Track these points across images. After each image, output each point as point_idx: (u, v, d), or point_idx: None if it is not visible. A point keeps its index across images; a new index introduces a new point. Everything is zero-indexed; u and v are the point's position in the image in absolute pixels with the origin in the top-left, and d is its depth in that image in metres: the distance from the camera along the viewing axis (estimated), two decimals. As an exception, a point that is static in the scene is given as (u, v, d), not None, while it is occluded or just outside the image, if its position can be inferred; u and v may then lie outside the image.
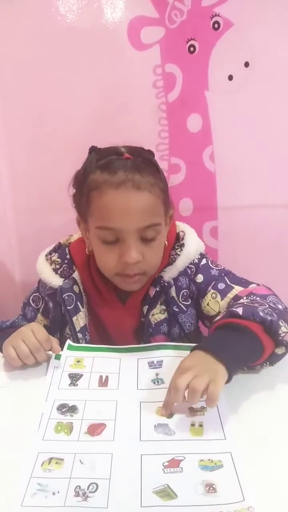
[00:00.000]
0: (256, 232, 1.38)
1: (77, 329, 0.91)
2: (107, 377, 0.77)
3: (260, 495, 0.52)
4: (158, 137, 1.29)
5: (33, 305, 0.97)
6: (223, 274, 0.93)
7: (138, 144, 0.89)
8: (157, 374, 0.77)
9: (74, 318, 0.91)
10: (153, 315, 0.91)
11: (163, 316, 0.91)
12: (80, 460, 0.59)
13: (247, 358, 0.72)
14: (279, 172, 1.34)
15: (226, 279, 0.91)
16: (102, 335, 0.94)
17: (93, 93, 1.25)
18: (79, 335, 0.91)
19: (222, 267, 0.95)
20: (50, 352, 0.81)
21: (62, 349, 0.84)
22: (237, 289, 0.88)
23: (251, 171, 1.34)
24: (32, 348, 0.76)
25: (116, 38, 1.21)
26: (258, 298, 0.81)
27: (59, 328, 0.93)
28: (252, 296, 0.83)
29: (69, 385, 0.75)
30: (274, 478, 0.56)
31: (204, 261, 0.94)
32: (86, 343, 0.92)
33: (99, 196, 0.78)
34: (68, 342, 0.87)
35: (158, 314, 0.91)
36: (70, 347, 0.86)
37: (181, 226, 0.97)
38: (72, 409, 0.69)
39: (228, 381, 0.67)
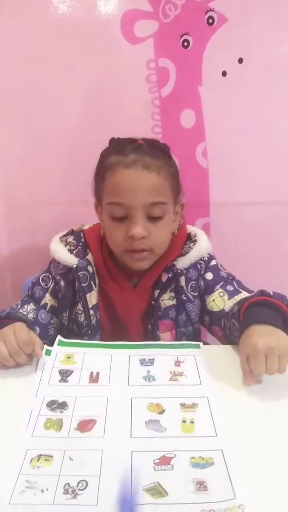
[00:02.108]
0: (248, 229, 1.38)
1: (90, 306, 0.94)
2: (98, 373, 0.76)
3: (251, 493, 0.52)
4: (151, 132, 1.28)
5: (42, 284, 0.98)
6: (230, 278, 0.99)
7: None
8: (148, 371, 0.76)
9: (88, 295, 0.94)
10: (162, 300, 0.95)
11: (171, 302, 0.95)
12: (69, 457, 0.58)
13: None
14: (272, 169, 1.33)
15: (234, 283, 0.97)
16: (111, 316, 0.97)
17: (85, 87, 1.24)
18: (91, 312, 0.94)
19: (229, 272, 1.01)
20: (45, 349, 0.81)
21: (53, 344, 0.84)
22: (244, 294, 0.93)
23: (244, 168, 1.33)
24: (11, 351, 0.76)
25: (109, 31, 1.20)
26: None
27: (69, 306, 0.96)
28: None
29: (59, 381, 0.74)
30: (265, 475, 0.55)
31: (213, 262, 1.00)
32: (96, 320, 0.95)
33: (112, 174, 0.85)
34: (59, 338, 0.87)
35: (167, 300, 0.95)
36: (61, 343, 0.85)
37: (192, 228, 1.03)
38: (62, 405, 0.68)
39: None
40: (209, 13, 1.21)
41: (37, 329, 0.93)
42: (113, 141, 0.92)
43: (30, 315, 0.94)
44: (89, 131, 1.25)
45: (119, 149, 0.86)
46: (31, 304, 0.96)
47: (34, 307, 0.95)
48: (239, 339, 0.78)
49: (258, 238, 1.39)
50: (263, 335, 0.73)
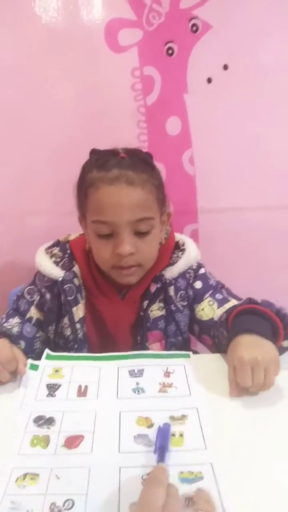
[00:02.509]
0: (237, 235, 1.38)
1: (76, 319, 0.92)
2: (86, 386, 0.75)
3: (241, 507, 0.51)
4: (137, 140, 1.28)
5: (28, 298, 0.97)
6: (219, 287, 0.98)
7: (116, 147, 0.89)
8: (137, 383, 0.75)
9: (74, 309, 0.92)
10: (151, 310, 0.93)
11: (160, 313, 0.94)
12: (56, 475, 0.57)
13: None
14: (259, 175, 1.34)
15: (223, 291, 0.96)
16: (99, 328, 0.96)
17: (71, 97, 1.24)
18: (77, 326, 0.93)
19: (218, 280, 1.00)
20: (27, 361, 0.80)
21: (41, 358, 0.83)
22: (233, 302, 0.92)
23: (231, 174, 1.34)
24: None
25: (93, 40, 1.20)
26: None
27: (55, 319, 0.94)
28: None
29: (46, 395, 0.73)
30: (255, 488, 0.54)
31: (202, 270, 0.99)
32: (83, 334, 0.93)
33: (95, 191, 0.82)
34: (47, 351, 0.85)
35: (156, 311, 0.94)
36: (49, 357, 0.84)
37: (180, 236, 1.01)
38: (49, 421, 0.67)
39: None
40: (193, 21, 1.21)
41: (22, 343, 0.91)
42: (94, 153, 0.89)
43: (15, 329, 0.92)
44: (75, 140, 1.24)
45: (101, 163, 0.83)
46: (16, 317, 0.94)
47: (19, 321, 0.94)
48: (227, 348, 0.77)
49: (246, 244, 1.39)
50: (250, 347, 0.72)
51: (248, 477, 0.56)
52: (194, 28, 1.23)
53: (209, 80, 1.27)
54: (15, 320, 0.94)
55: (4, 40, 1.18)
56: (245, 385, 0.70)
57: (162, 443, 0.60)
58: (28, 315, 0.95)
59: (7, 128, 1.25)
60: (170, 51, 1.24)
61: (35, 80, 1.22)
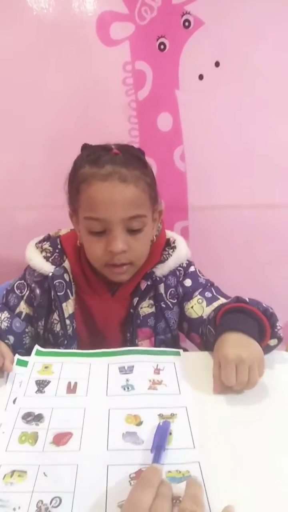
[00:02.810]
0: (227, 232, 1.38)
1: (66, 315, 0.92)
2: (75, 383, 0.75)
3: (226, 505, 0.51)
4: (128, 136, 1.27)
5: (17, 292, 0.96)
6: (209, 285, 0.98)
7: (107, 142, 0.88)
8: (127, 380, 0.75)
9: (64, 305, 0.92)
10: (141, 308, 0.93)
11: (150, 310, 0.94)
12: (44, 472, 0.56)
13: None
14: (250, 172, 1.34)
15: (212, 289, 0.96)
16: (89, 324, 0.95)
17: (61, 90, 1.22)
18: (67, 321, 0.92)
19: (208, 278, 1.00)
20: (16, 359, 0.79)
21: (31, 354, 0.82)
22: (222, 301, 0.92)
23: (222, 171, 1.34)
24: None
25: (84, 33, 1.19)
26: None
27: (45, 315, 0.94)
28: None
29: (35, 392, 0.73)
30: (241, 488, 0.55)
31: (192, 268, 0.99)
32: (72, 330, 0.93)
33: (87, 187, 0.81)
34: (36, 347, 0.85)
35: (146, 308, 0.94)
36: (38, 353, 0.83)
37: (171, 233, 1.01)
38: (38, 418, 0.67)
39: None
40: (185, 16, 1.21)
41: (11, 338, 0.91)
42: (85, 148, 0.88)
43: (4, 324, 0.91)
44: (66, 134, 1.23)
45: (94, 159, 0.82)
46: (5, 312, 0.93)
47: (8, 316, 0.93)
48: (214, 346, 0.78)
49: (237, 241, 1.39)
50: (235, 345, 0.73)
51: (235, 476, 0.56)
52: (187, 24, 1.22)
53: (201, 77, 1.26)
54: (4, 315, 0.93)
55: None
56: (229, 383, 0.70)
57: (160, 442, 0.60)
58: (17, 310, 0.94)
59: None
60: (162, 46, 1.23)
61: (25, 73, 1.20)
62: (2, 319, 0.92)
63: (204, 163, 1.32)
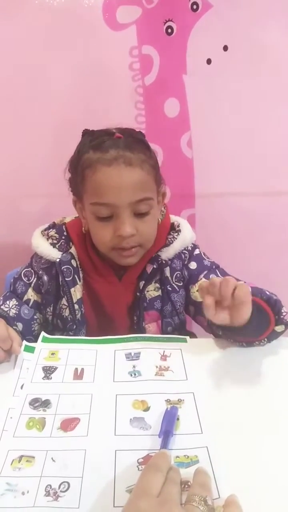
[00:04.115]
0: (234, 220, 1.37)
1: (74, 300, 0.92)
2: (82, 369, 0.74)
3: (235, 491, 0.51)
4: (134, 122, 1.26)
5: (25, 280, 0.97)
6: (214, 267, 0.98)
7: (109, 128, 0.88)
8: (134, 366, 0.75)
9: (72, 290, 0.92)
10: (148, 291, 0.94)
11: (157, 293, 0.94)
12: (52, 458, 0.56)
13: (257, 330, 0.76)
14: (257, 159, 1.33)
15: (217, 271, 0.96)
16: (97, 309, 0.96)
17: (67, 75, 1.21)
18: (76, 306, 0.93)
19: (213, 260, 0.99)
20: (24, 345, 0.79)
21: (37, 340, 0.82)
22: None
23: (229, 158, 1.32)
24: None
25: (90, 17, 1.17)
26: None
27: (53, 301, 0.94)
28: None
29: (42, 378, 0.73)
30: (249, 473, 0.54)
31: (197, 251, 0.99)
32: (81, 315, 0.93)
33: (93, 173, 0.81)
34: (43, 334, 0.85)
35: (152, 291, 0.94)
36: (45, 339, 0.83)
37: (175, 217, 1.01)
38: (45, 404, 0.67)
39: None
40: (193, -1, 1.18)
41: (20, 325, 0.92)
42: (87, 133, 0.88)
43: (13, 311, 0.92)
44: (72, 120, 1.21)
45: (97, 144, 0.82)
46: (14, 299, 0.94)
47: (17, 303, 0.94)
48: (226, 334, 0.78)
49: (243, 229, 1.38)
50: None
51: (243, 461, 0.56)
52: (195, 7, 1.20)
53: (209, 61, 1.24)
54: (12, 302, 0.93)
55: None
56: (228, 286, 0.69)
57: (168, 427, 0.60)
58: (25, 297, 0.95)
59: (5, 109, 1.23)
60: (169, 30, 1.21)
61: (30, 60, 1.19)
62: (10, 306, 0.93)
63: (212, 149, 1.31)
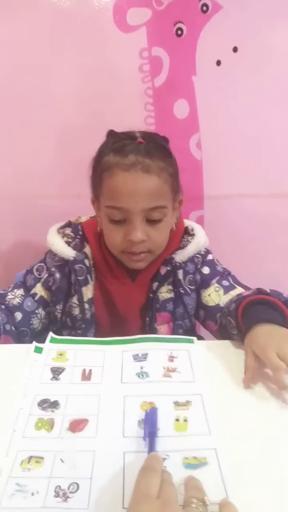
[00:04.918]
0: (243, 222, 1.37)
1: (85, 299, 0.93)
2: (90, 370, 0.75)
3: (244, 494, 0.51)
4: (144, 123, 1.26)
5: (36, 274, 0.98)
6: (226, 273, 0.99)
7: (122, 130, 0.88)
8: (141, 367, 0.75)
9: (83, 289, 0.93)
10: (160, 292, 0.95)
11: (169, 295, 0.95)
12: (60, 459, 0.57)
13: None
14: (267, 161, 1.32)
15: (229, 278, 0.98)
16: (110, 309, 0.97)
17: (77, 77, 1.21)
18: (86, 305, 0.94)
19: (225, 267, 1.01)
20: (30, 345, 0.80)
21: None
22: (239, 290, 0.94)
23: (238, 159, 1.32)
24: None
25: (101, 19, 1.17)
26: None
27: (63, 299, 0.95)
28: None
29: (51, 379, 0.73)
30: (258, 475, 0.54)
31: (210, 256, 1.00)
32: (91, 314, 0.94)
33: (110, 176, 0.82)
34: (51, 334, 0.85)
35: (165, 293, 0.95)
36: (53, 340, 0.84)
37: (188, 222, 1.02)
38: (54, 405, 0.67)
39: None
40: (203, 0, 1.19)
41: (20, 315, 0.93)
42: (111, 134, 0.89)
43: (17, 300, 0.94)
44: (81, 122, 1.23)
45: (118, 147, 0.83)
46: (21, 290, 0.96)
47: (23, 293, 0.95)
48: (242, 339, 0.78)
49: (252, 231, 1.38)
50: (269, 335, 0.73)
51: (252, 463, 0.56)
52: (204, 8, 1.20)
53: (218, 63, 1.24)
54: (19, 291, 0.96)
55: (10, 18, 1.15)
56: (279, 365, 0.67)
57: (151, 429, 0.60)
58: (32, 291, 0.96)
59: (14, 110, 1.23)
60: (179, 32, 1.21)
61: (41, 61, 1.19)
62: (16, 295, 0.95)
63: (221, 151, 1.31)
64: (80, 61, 1.20)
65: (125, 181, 0.81)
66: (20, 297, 0.95)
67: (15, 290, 0.96)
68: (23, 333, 0.94)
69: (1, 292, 0.97)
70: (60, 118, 1.24)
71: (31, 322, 0.95)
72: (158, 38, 1.21)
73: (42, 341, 0.83)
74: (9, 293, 0.95)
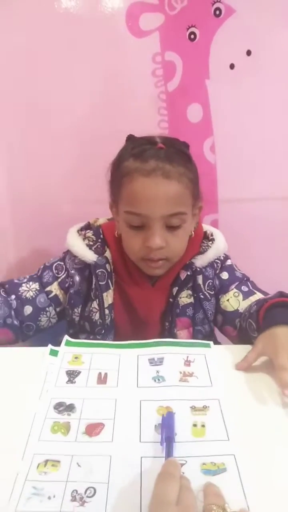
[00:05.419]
0: (258, 226, 1.35)
1: (106, 305, 0.92)
2: (106, 374, 0.74)
3: (264, 501, 0.50)
4: (157, 127, 1.26)
5: (54, 272, 0.97)
6: (245, 279, 0.98)
7: (136, 134, 0.89)
8: (157, 372, 0.74)
9: (105, 294, 0.92)
10: (180, 297, 0.94)
11: (189, 300, 0.94)
12: (77, 463, 0.56)
13: None
14: (281, 164, 1.31)
15: (249, 284, 0.97)
16: (130, 313, 0.96)
17: (90, 82, 1.22)
18: (106, 311, 0.93)
19: (244, 273, 1.00)
20: (46, 348, 0.80)
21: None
22: (258, 295, 0.93)
23: (253, 163, 1.31)
24: None
25: (114, 24, 1.17)
26: None
27: (82, 303, 0.95)
28: None
29: (66, 382, 0.73)
30: (278, 482, 0.53)
31: (229, 262, 1.00)
32: (110, 320, 0.94)
33: (130, 182, 0.81)
34: (66, 338, 0.85)
35: (185, 298, 0.94)
36: (68, 343, 0.84)
37: (207, 226, 1.02)
38: (70, 408, 0.67)
39: None
40: (216, 5, 1.18)
41: (30, 308, 0.93)
42: (130, 139, 0.88)
43: (30, 293, 0.94)
44: (95, 127, 1.23)
45: (138, 152, 0.82)
46: (37, 284, 0.96)
47: (38, 288, 0.95)
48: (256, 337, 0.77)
49: (268, 235, 1.36)
50: (285, 338, 0.72)
51: (272, 470, 0.55)
52: (217, 12, 1.19)
53: (232, 66, 1.23)
54: (34, 285, 0.95)
55: (25, 25, 1.16)
56: (284, 365, 0.67)
57: (168, 433, 0.59)
58: (48, 288, 0.96)
59: (28, 115, 1.24)
60: (192, 36, 1.21)
61: (56, 66, 1.20)
62: (30, 288, 0.95)
63: (235, 155, 1.30)
64: (93, 66, 1.20)
65: (144, 187, 0.80)
66: (34, 291, 0.94)
67: (30, 283, 0.95)
68: (29, 328, 0.94)
69: (16, 281, 0.96)
70: (74, 124, 1.25)
71: (39, 318, 0.95)
72: (171, 43, 1.21)
73: (45, 337, 0.83)
74: (23, 284, 0.95)
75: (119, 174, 0.84)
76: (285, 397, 0.66)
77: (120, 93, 1.22)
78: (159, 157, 0.80)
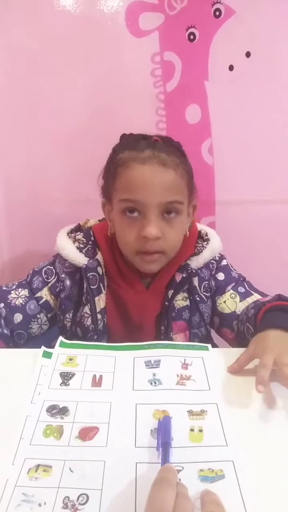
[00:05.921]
0: (255, 228, 1.34)
1: (98, 309, 0.90)
2: (101, 376, 0.72)
3: (263, 507, 0.48)
4: (155, 128, 1.25)
5: (44, 277, 0.95)
6: (241, 279, 0.96)
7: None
8: (154, 374, 0.72)
9: (96, 299, 0.90)
10: (176, 300, 0.92)
11: (185, 303, 0.92)
12: (69, 468, 0.54)
13: None
14: (279, 167, 1.30)
15: (245, 284, 0.95)
16: (123, 317, 0.93)
17: (89, 82, 1.21)
18: (99, 316, 0.90)
19: (240, 273, 0.98)
20: (39, 350, 0.77)
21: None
22: (256, 296, 0.91)
23: (250, 165, 1.30)
24: None
25: (113, 24, 1.17)
26: None
27: (73, 308, 0.93)
28: None
29: (60, 384, 0.70)
30: (279, 490, 0.51)
31: (225, 262, 0.98)
32: (103, 325, 0.91)
33: (125, 170, 0.80)
34: (61, 339, 0.83)
35: (180, 301, 0.92)
36: (63, 344, 0.81)
37: (201, 226, 1.00)
38: (63, 411, 0.64)
39: None
40: (216, 5, 1.17)
41: (20, 316, 0.91)
42: (124, 137, 0.87)
43: (19, 301, 0.91)
44: (93, 127, 1.22)
45: (133, 144, 0.81)
46: (26, 290, 0.93)
47: (27, 295, 0.92)
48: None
49: (265, 238, 1.35)
50: (277, 341, 0.70)
51: (272, 476, 0.53)
52: (217, 13, 1.19)
53: (231, 68, 1.23)
54: (23, 292, 0.92)
55: (23, 25, 1.16)
56: (267, 363, 0.65)
57: (165, 439, 0.57)
58: (38, 294, 0.93)
59: (23, 116, 1.23)
60: (191, 37, 1.20)
61: (54, 66, 1.19)
62: (20, 295, 0.92)
63: (233, 157, 1.29)
64: (92, 66, 1.19)
65: (141, 173, 0.78)
66: (23, 298, 0.92)
67: (19, 290, 0.92)
68: (20, 336, 0.91)
69: (4, 288, 0.93)
70: (71, 123, 1.24)
71: (30, 326, 0.93)
72: (170, 43, 1.20)
73: (37, 344, 0.81)
74: (12, 291, 0.92)
75: (114, 167, 0.82)
76: (284, 403, 0.65)
77: (119, 92, 1.21)
78: (155, 148, 0.80)
